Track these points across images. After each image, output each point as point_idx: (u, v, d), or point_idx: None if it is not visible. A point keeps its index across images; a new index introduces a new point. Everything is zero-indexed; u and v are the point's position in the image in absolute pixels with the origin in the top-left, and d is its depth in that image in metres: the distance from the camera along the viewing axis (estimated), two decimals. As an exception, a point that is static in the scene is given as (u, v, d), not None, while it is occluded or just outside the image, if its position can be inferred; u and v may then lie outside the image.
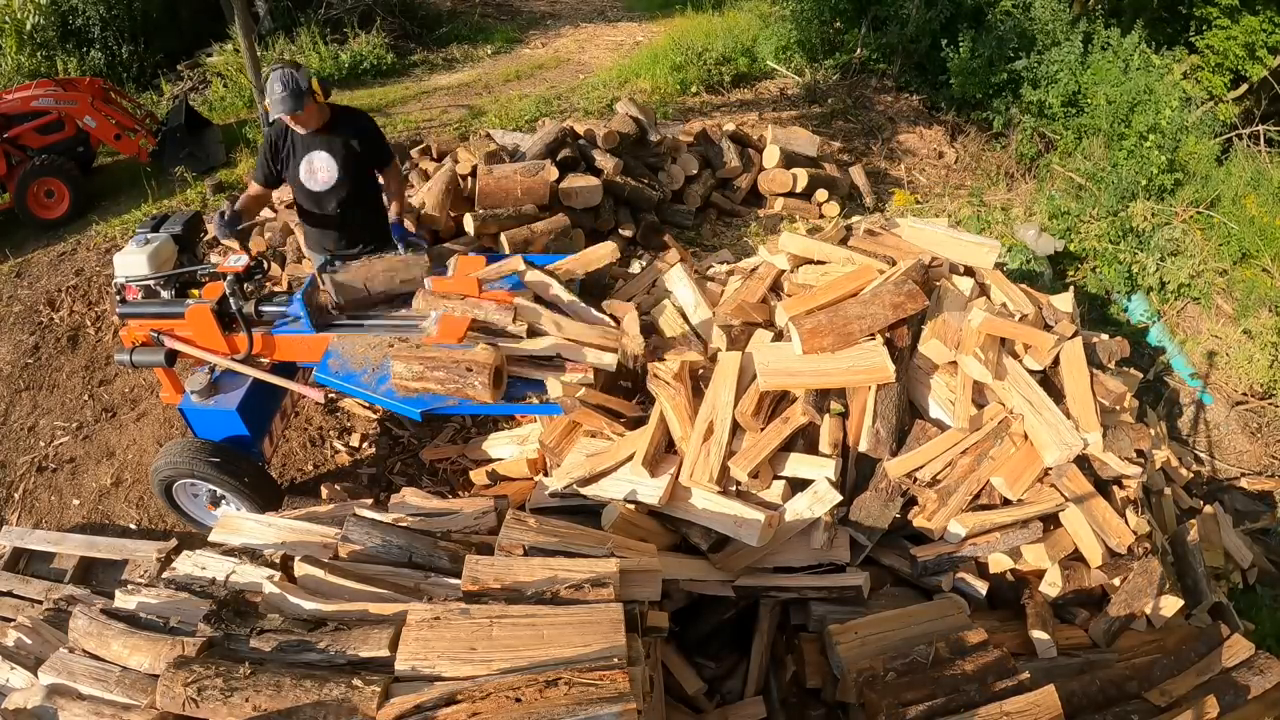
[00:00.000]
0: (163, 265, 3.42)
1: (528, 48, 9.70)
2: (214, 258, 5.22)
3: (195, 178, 6.50)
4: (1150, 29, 8.09)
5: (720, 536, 2.79)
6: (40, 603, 3.28)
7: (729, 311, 3.24)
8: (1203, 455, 4.94)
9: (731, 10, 10.11)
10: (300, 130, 3.49)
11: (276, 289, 4.33)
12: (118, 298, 3.47)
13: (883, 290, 3.07)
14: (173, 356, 3.40)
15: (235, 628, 1.99)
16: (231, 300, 3.29)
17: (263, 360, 3.46)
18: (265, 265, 3.52)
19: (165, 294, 3.45)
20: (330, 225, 3.75)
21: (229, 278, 3.27)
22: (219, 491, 3.49)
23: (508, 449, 3.66)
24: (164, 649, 1.96)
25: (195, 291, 3.43)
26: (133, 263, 3.37)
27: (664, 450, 2.97)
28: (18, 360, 4.92)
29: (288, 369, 3.65)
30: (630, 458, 2.89)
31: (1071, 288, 3.66)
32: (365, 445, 4.34)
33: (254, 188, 3.71)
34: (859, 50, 8.35)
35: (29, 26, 8.25)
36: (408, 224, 3.85)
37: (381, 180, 3.83)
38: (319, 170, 3.57)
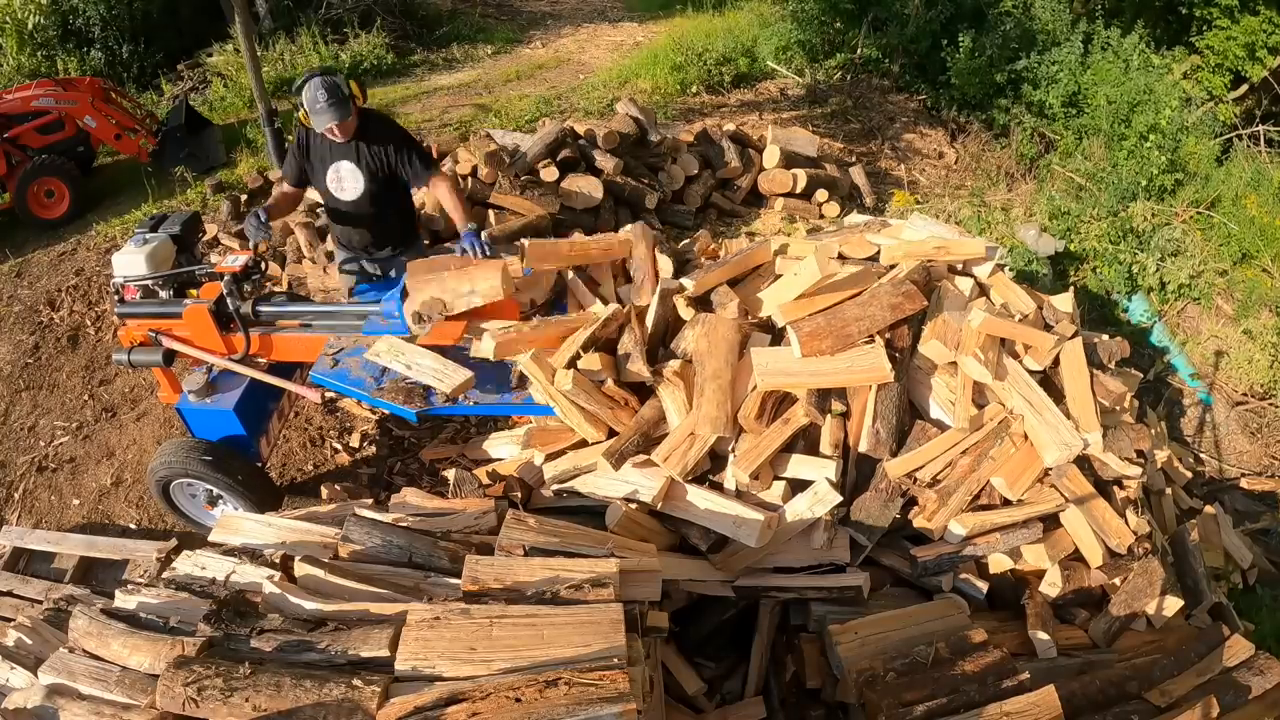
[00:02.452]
0: (161, 265, 3.42)
1: (528, 48, 9.69)
2: (213, 257, 5.23)
3: (195, 178, 6.50)
4: (1150, 29, 8.09)
5: (720, 537, 2.79)
6: (40, 603, 3.27)
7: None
8: (1203, 455, 4.94)
9: (731, 10, 10.11)
10: (339, 138, 3.33)
11: (276, 289, 4.33)
12: (116, 298, 3.47)
13: (880, 291, 3.07)
14: (170, 356, 3.40)
15: (235, 628, 1.99)
16: (229, 300, 3.28)
17: (260, 360, 3.46)
18: (264, 265, 3.50)
19: (163, 294, 3.45)
20: (360, 226, 3.67)
21: (226, 278, 3.27)
22: (215, 491, 3.49)
23: (508, 449, 3.66)
24: (164, 649, 1.96)
25: (193, 291, 3.42)
26: (131, 263, 3.37)
27: (641, 446, 2.94)
28: (18, 360, 4.92)
29: (285, 369, 3.64)
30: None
31: (1072, 288, 3.66)
32: (365, 445, 4.34)
33: (286, 187, 3.62)
34: (859, 50, 8.35)
35: (30, 26, 8.25)
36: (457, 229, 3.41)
37: (420, 193, 3.64)
38: (345, 180, 3.47)
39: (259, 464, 3.67)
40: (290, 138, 5.67)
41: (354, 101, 3.24)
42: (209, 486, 3.46)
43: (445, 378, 2.93)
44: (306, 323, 3.42)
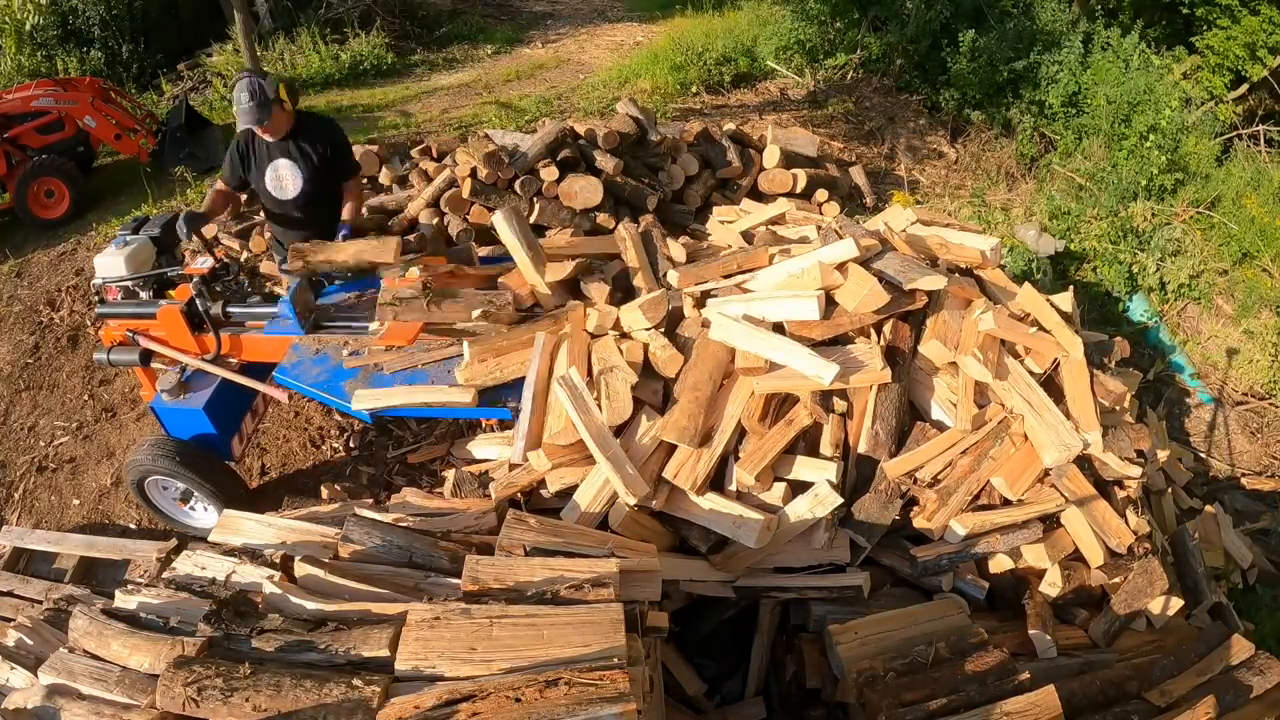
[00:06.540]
0: (140, 267, 3.48)
1: (528, 48, 9.70)
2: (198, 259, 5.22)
3: (195, 178, 6.50)
4: (1150, 29, 8.10)
5: (720, 537, 2.79)
6: (40, 603, 3.28)
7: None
8: (1203, 455, 4.94)
9: (731, 10, 10.11)
10: (268, 138, 3.54)
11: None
12: (97, 298, 3.52)
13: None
14: (147, 356, 3.45)
15: (235, 628, 1.99)
16: (199, 301, 3.32)
17: (231, 360, 3.48)
18: (233, 267, 3.55)
19: (143, 295, 3.50)
20: (295, 226, 3.82)
21: (195, 279, 3.32)
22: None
23: (494, 449, 3.64)
24: (164, 649, 1.96)
25: (172, 293, 3.46)
26: (111, 264, 3.44)
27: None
28: (18, 360, 4.92)
29: (260, 369, 3.66)
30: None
31: (1072, 287, 3.66)
32: (365, 445, 4.34)
33: (223, 187, 3.78)
34: (859, 50, 8.35)
35: (29, 26, 8.25)
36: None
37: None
38: (285, 179, 3.64)
39: (230, 461, 3.72)
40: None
41: (281, 105, 3.41)
42: (180, 484, 3.51)
43: None
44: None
